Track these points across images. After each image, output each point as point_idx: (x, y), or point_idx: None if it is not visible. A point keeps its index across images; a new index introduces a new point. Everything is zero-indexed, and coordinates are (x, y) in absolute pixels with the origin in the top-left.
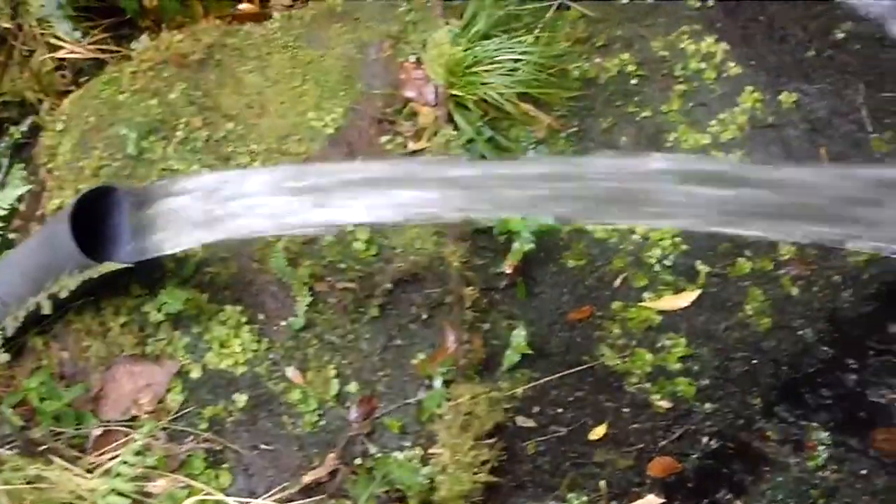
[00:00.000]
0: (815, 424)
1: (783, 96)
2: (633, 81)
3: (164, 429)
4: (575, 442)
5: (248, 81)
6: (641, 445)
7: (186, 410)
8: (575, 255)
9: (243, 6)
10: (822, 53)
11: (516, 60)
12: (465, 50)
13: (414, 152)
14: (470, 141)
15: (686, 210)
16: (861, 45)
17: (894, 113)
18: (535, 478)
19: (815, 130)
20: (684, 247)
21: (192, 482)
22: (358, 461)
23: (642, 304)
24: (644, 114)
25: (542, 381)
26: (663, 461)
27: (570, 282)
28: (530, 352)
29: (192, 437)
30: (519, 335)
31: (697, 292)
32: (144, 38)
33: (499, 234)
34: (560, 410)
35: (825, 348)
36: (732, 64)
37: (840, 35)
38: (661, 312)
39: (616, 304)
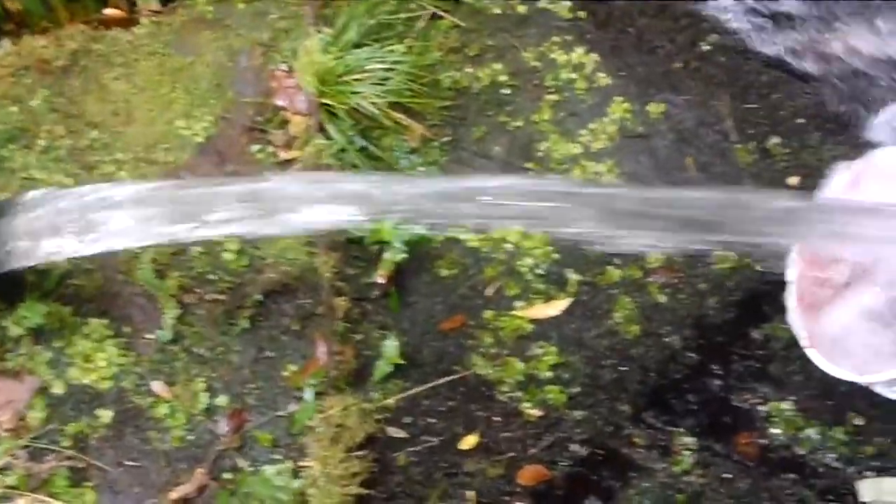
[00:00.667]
0: (681, 430)
1: (652, 107)
2: (506, 91)
3: (25, 447)
4: (446, 452)
5: (115, 88)
6: (512, 454)
7: (49, 428)
8: (448, 264)
9: (109, 11)
10: (688, 65)
11: (388, 69)
12: (337, 59)
13: (285, 161)
14: (342, 150)
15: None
16: (726, 57)
17: (757, 123)
18: (406, 489)
19: (683, 140)
20: (556, 256)
21: (55, 501)
22: (227, 476)
23: (514, 312)
24: (516, 123)
25: (414, 391)
26: (533, 469)
27: (443, 291)
28: (402, 362)
29: (54, 455)
30: (390, 345)
31: (568, 301)
32: (6, 42)
33: (371, 243)
34: (432, 420)
35: (691, 354)
36: (602, 74)
37: (706, 47)
38: (532, 321)
39: (488, 313)
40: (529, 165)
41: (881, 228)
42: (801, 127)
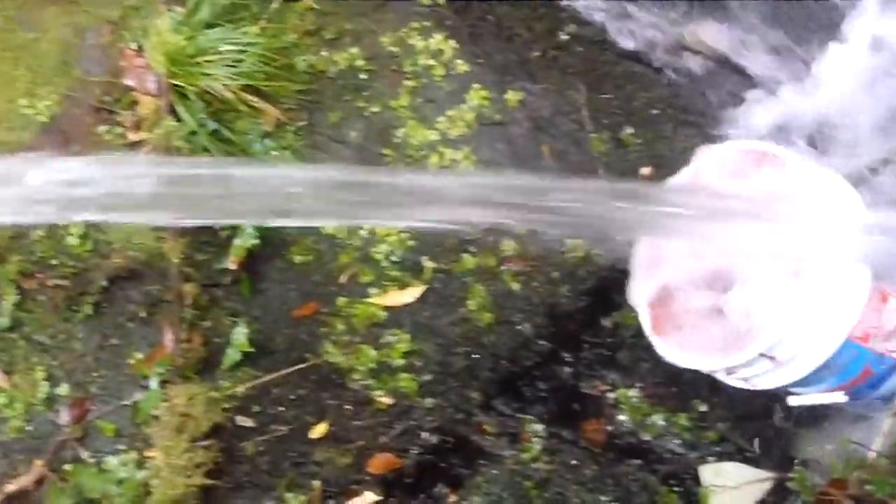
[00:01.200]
0: (530, 417)
1: (509, 95)
2: (363, 76)
3: None
4: (295, 441)
5: None
6: (362, 442)
7: None
8: (302, 251)
9: None
10: (546, 54)
11: (241, 51)
12: (188, 39)
13: (134, 143)
14: (192, 133)
15: None
16: (583, 47)
17: (612, 114)
18: (253, 478)
19: (540, 129)
20: (411, 243)
21: None
22: (68, 467)
23: (368, 300)
24: (373, 109)
25: (263, 379)
26: (383, 458)
27: (296, 278)
28: (252, 350)
29: None
30: (240, 333)
31: (422, 288)
32: None
33: (222, 228)
34: (281, 409)
35: (543, 342)
36: (461, 62)
37: (564, 37)
38: (386, 308)
39: (342, 301)
40: (386, 151)
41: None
42: (654, 118)
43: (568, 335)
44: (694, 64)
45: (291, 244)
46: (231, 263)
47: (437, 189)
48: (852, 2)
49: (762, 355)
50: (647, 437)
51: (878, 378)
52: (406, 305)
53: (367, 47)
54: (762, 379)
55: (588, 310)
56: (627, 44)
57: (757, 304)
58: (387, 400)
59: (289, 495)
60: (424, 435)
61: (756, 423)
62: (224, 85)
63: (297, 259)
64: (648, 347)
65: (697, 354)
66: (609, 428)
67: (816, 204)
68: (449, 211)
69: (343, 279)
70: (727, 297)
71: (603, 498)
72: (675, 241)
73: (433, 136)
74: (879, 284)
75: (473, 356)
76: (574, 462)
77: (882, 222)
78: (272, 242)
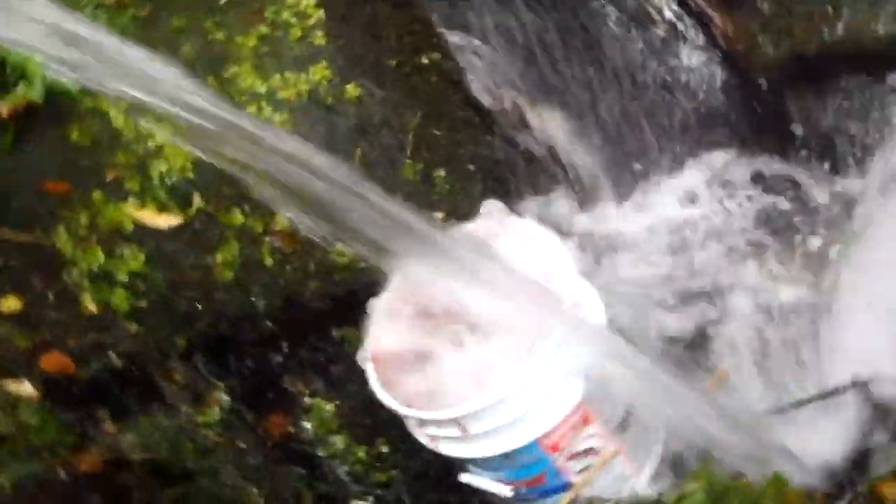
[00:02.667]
0: (223, 385)
1: (350, 87)
2: (223, 2)
3: None
4: None
5: None
6: (49, 336)
7: None
8: (82, 132)
9: None
10: (402, 68)
11: None
12: None
13: None
14: None
15: None
16: (438, 78)
17: (435, 150)
18: None
19: (363, 131)
20: (191, 175)
21: None
22: None
23: (123, 207)
24: (218, 35)
25: None
26: (59, 358)
27: (64, 153)
28: None
29: None
30: None
31: (180, 220)
32: None
33: (11, 70)
34: None
35: (269, 324)
36: (320, 34)
37: (424, 61)
38: (136, 223)
39: (97, 195)
40: (211, 80)
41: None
42: (469, 173)
43: (296, 328)
44: (529, 140)
45: (75, 121)
46: (3, 109)
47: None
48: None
49: (454, 421)
50: (321, 452)
51: (548, 489)
52: (158, 230)
53: None
54: (446, 444)
55: (326, 314)
56: (480, 96)
57: (478, 368)
58: (93, 308)
59: None
60: (113, 356)
61: (425, 484)
62: None
63: (75, 137)
64: (362, 374)
65: (399, 396)
66: (291, 429)
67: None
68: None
69: (109, 177)
70: (453, 354)
71: (253, 489)
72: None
73: (262, 87)
74: (587, 405)
75: (197, 305)
76: (243, 445)
77: (611, 347)
78: (57, 110)
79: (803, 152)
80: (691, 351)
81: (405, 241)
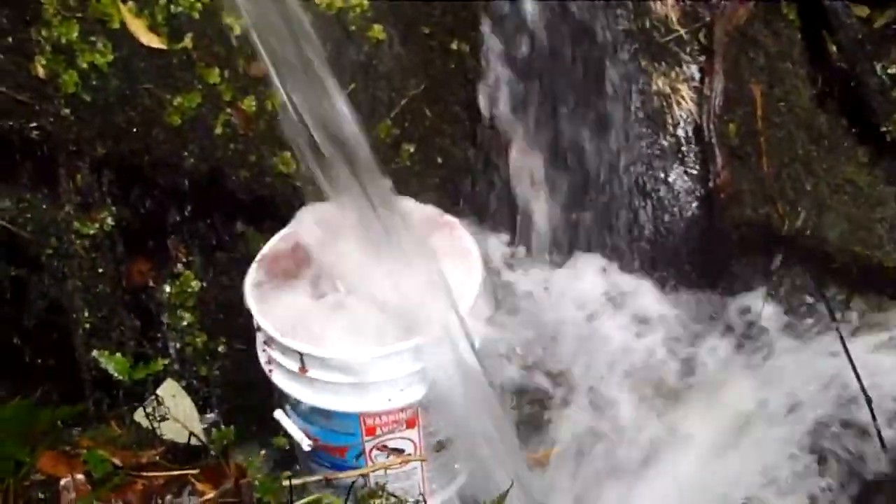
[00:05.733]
0: (114, 209)
1: (378, 28)
2: None
3: None
4: None
5: None
6: None
7: None
8: None
9: None
10: (430, 39)
11: None
12: None
13: None
14: None
15: None
16: (455, 68)
17: (414, 124)
18: None
19: (365, 71)
20: (196, 15)
21: None
22: None
23: (122, 4)
24: None
25: None
26: None
27: None
28: None
29: None
30: None
31: (163, 47)
32: None
33: None
34: None
35: (185, 182)
36: None
37: (453, 46)
38: (123, 26)
39: None
40: None
41: None
42: (434, 164)
43: (206, 201)
44: (502, 169)
45: None
46: None
47: None
48: None
49: (299, 354)
50: (164, 318)
51: (342, 464)
52: (138, 43)
53: None
54: (279, 374)
55: (240, 204)
56: (481, 105)
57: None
58: (41, 72)
59: None
60: (33, 125)
61: (239, 398)
62: None
63: None
64: (238, 275)
65: (262, 308)
66: (150, 283)
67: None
68: None
69: None
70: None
71: (84, 312)
72: None
73: None
74: (420, 410)
75: (133, 128)
76: (100, 270)
77: (470, 373)
78: None
79: (732, 309)
80: (537, 420)
81: (347, 181)
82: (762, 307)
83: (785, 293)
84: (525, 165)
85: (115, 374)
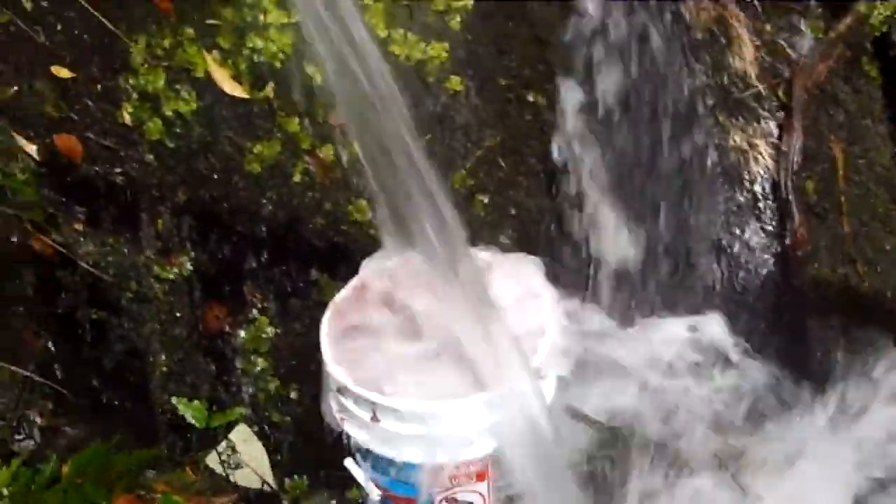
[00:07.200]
0: (192, 254)
1: (456, 79)
2: None
3: None
4: None
5: None
6: (76, 117)
7: None
8: None
9: None
10: (506, 92)
11: None
12: None
13: None
14: None
15: None
16: (532, 119)
17: (489, 175)
18: None
19: (442, 122)
20: (278, 65)
21: None
22: None
23: (207, 54)
24: None
25: None
26: (72, 142)
27: None
28: None
29: None
30: None
31: (245, 96)
32: None
33: None
34: None
35: (263, 229)
36: (459, 19)
37: (529, 98)
38: (208, 75)
39: (190, 31)
40: None
41: None
42: (508, 216)
43: (283, 247)
44: (576, 223)
45: None
46: None
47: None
48: None
49: (372, 404)
50: (238, 364)
51: None
52: (221, 91)
53: None
54: (350, 423)
55: (316, 252)
56: (556, 158)
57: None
58: (127, 119)
59: None
60: (118, 170)
61: (309, 446)
62: None
63: None
64: (312, 322)
65: (336, 355)
66: (225, 328)
67: None
68: None
69: (209, 22)
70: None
71: (162, 355)
72: None
73: (381, 32)
74: (491, 464)
75: (214, 175)
76: (177, 314)
77: (543, 430)
78: None
79: (798, 371)
80: (608, 479)
81: (421, 231)
82: (839, 367)
83: (861, 353)
84: (599, 220)
85: (194, 422)
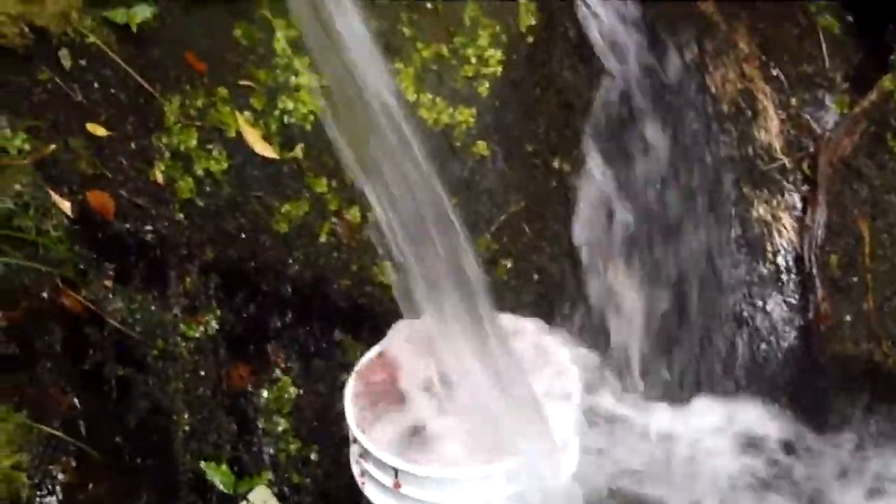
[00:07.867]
0: (219, 313)
1: (482, 144)
2: (429, 6)
3: None
4: None
5: None
6: (110, 175)
7: None
8: (246, 33)
9: None
10: (532, 157)
11: None
12: None
13: None
14: None
15: None
16: (557, 186)
17: (513, 239)
18: None
19: (468, 186)
20: (308, 127)
21: None
22: None
23: (239, 115)
24: (405, 29)
25: None
26: (105, 199)
27: (223, 40)
28: None
29: None
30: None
31: (275, 156)
32: None
33: None
34: None
35: (288, 289)
36: (487, 85)
37: (555, 164)
38: (239, 135)
39: (223, 91)
40: None
41: None
42: (531, 282)
43: (308, 308)
44: (598, 292)
45: (244, 21)
46: None
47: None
48: None
49: (394, 470)
50: (260, 423)
51: None
52: (251, 151)
53: None
54: (371, 486)
55: (340, 313)
56: (580, 226)
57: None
58: (159, 178)
59: None
60: (149, 228)
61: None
62: None
63: (237, 33)
64: (335, 384)
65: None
66: (249, 388)
67: None
68: None
69: (242, 83)
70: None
71: (185, 414)
72: None
73: (411, 96)
74: None
75: (241, 234)
76: (202, 372)
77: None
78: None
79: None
80: None
81: (445, 296)
82: (863, 445)
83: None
84: (620, 288)
85: (222, 487)
